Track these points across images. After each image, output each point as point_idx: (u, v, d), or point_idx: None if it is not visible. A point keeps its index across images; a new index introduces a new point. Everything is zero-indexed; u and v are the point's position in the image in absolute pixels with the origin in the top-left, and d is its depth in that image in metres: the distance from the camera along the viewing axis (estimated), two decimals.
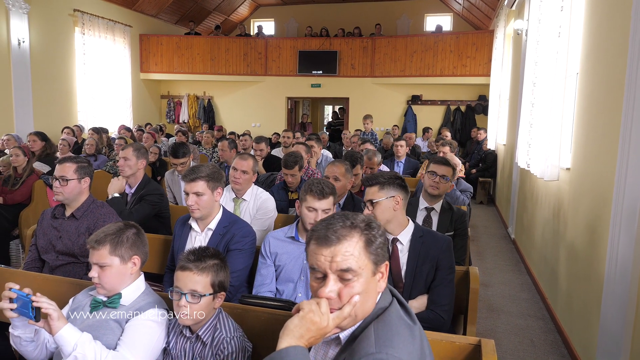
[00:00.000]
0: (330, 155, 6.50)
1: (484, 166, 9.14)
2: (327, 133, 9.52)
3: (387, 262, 1.29)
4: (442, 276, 2.26)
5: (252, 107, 12.92)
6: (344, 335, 1.28)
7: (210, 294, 1.76)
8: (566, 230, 3.81)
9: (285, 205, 3.99)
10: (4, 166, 5.11)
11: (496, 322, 4.07)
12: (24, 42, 8.63)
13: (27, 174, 4.90)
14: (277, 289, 2.56)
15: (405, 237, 2.34)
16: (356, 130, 9.04)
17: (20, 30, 8.54)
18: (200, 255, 1.80)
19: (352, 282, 1.21)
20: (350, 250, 1.21)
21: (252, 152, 6.15)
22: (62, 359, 1.74)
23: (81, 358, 1.64)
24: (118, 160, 6.33)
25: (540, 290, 4.59)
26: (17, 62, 8.57)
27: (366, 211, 2.35)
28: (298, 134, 7.23)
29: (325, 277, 1.22)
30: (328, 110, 18.73)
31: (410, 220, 2.40)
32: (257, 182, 3.69)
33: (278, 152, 6.43)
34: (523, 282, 4.99)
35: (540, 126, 4.53)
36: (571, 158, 3.87)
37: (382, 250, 1.27)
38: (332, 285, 1.20)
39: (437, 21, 13.08)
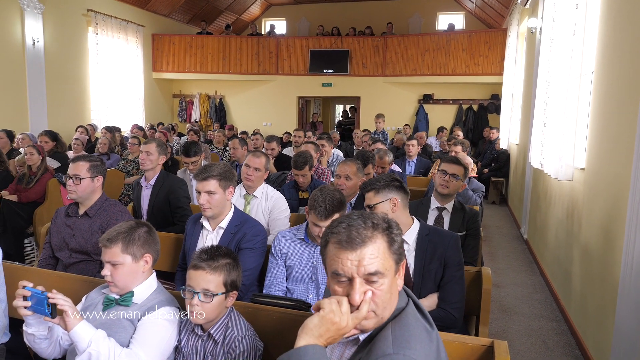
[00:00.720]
0: (341, 154, 6.49)
1: (496, 166, 9.06)
2: (338, 132, 9.50)
3: (404, 260, 1.29)
4: (451, 273, 2.25)
5: (263, 106, 12.95)
6: (363, 337, 1.26)
7: (222, 293, 1.77)
8: (580, 231, 3.76)
9: (296, 204, 4.00)
10: (20, 165, 5.18)
11: (508, 323, 4.03)
12: (38, 42, 8.74)
13: (41, 173, 4.96)
14: (287, 288, 2.56)
15: (410, 236, 2.34)
16: (364, 130, 8.99)
17: (34, 30, 8.65)
18: (212, 254, 1.80)
19: (378, 284, 1.20)
20: (376, 253, 1.20)
21: (263, 151, 6.17)
22: (76, 356, 1.75)
23: (95, 355, 1.66)
24: (130, 160, 6.42)
25: (553, 291, 4.53)
26: (32, 62, 8.69)
27: None
28: (309, 133, 7.23)
29: (349, 280, 1.20)
30: (339, 110, 18.72)
31: (415, 219, 2.40)
32: (268, 181, 3.70)
33: (289, 151, 6.43)
34: (536, 283, 4.93)
35: (555, 125, 4.47)
36: (586, 158, 3.81)
37: (402, 249, 1.27)
38: (360, 289, 1.19)
39: (450, 20, 13.00)
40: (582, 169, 3.83)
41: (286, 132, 10.19)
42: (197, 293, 1.73)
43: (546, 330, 3.91)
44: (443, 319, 2.18)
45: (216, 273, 1.76)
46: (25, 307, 1.66)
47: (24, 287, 1.66)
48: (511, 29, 9.09)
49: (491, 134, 9.84)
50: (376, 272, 1.19)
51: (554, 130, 4.50)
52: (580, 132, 4.06)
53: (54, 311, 1.64)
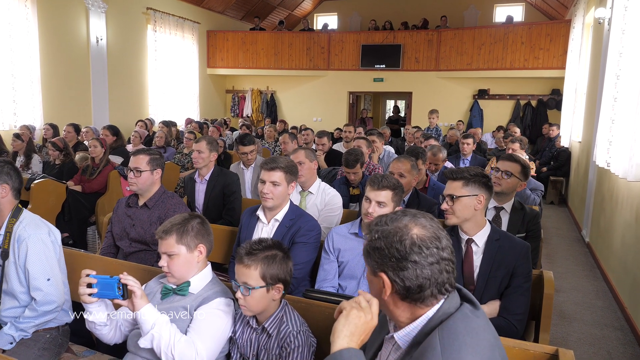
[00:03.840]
0: (392, 150, 6.39)
1: (556, 164, 8.64)
2: (389, 128, 9.35)
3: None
4: (518, 284, 2.13)
5: (313, 101, 12.98)
6: (399, 337, 1.24)
7: (261, 287, 1.75)
8: None
9: (347, 201, 3.96)
10: (82, 160, 5.47)
11: (568, 330, 3.83)
12: (101, 39, 9.18)
13: (103, 164, 5.19)
14: (339, 284, 2.54)
15: (481, 238, 2.23)
16: (414, 127, 8.79)
17: (98, 28, 9.09)
18: (251, 248, 1.79)
19: None
20: None
21: (314, 147, 6.17)
22: (135, 341, 1.82)
23: (157, 337, 1.72)
24: (185, 153, 6.62)
25: (618, 298, 4.26)
26: (95, 59, 9.14)
27: (444, 205, 2.25)
28: (360, 129, 7.17)
29: None
30: (390, 105, 18.48)
31: (487, 221, 2.29)
32: (318, 177, 3.70)
33: (339, 147, 6.40)
34: (598, 289, 4.66)
35: (624, 122, 4.18)
36: None
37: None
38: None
39: (508, 12, 12.48)
40: None
41: (338, 129, 10.17)
42: (239, 286, 1.75)
43: (610, 339, 3.68)
44: (503, 328, 2.07)
45: (252, 267, 1.75)
46: (90, 294, 1.73)
47: (87, 275, 1.73)
48: (575, 20, 8.61)
49: (551, 131, 9.38)
50: None
51: (623, 127, 4.21)
52: None
53: (125, 292, 1.72)
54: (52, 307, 2.23)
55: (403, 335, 1.23)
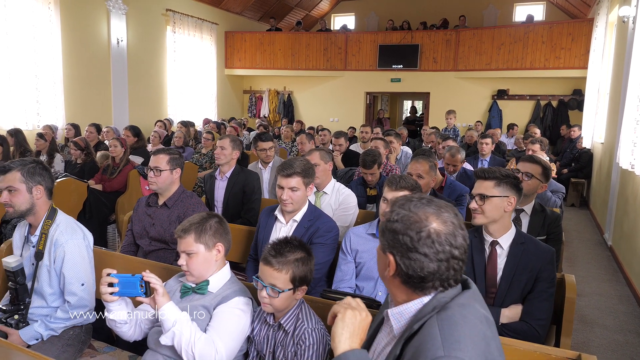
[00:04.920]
0: (409, 151, 6.35)
1: (577, 166, 8.48)
2: (406, 129, 9.29)
3: None
4: (542, 289, 2.10)
5: (330, 102, 12.98)
6: (392, 314, 1.27)
7: (289, 289, 1.77)
8: None
9: (363, 201, 3.95)
10: (103, 158, 5.56)
11: (590, 335, 3.76)
12: (122, 41, 9.32)
13: (123, 164, 5.27)
14: (356, 285, 2.54)
15: (506, 241, 2.20)
16: (431, 127, 8.70)
17: (119, 30, 9.23)
18: (281, 249, 1.80)
19: None
20: None
21: (330, 147, 6.17)
22: (156, 338, 1.85)
23: (178, 335, 1.74)
24: (203, 153, 6.67)
25: None
26: (116, 60, 9.29)
27: (473, 204, 2.22)
28: (378, 129, 7.14)
29: None
30: (407, 106, 18.37)
31: (513, 224, 2.26)
32: (335, 177, 3.70)
33: (356, 147, 6.39)
34: (622, 294, 4.56)
35: None
36: None
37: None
38: None
39: (528, 11, 12.29)
40: None
41: (351, 127, 10.15)
42: (266, 286, 1.76)
43: (634, 345, 3.60)
44: (525, 333, 2.05)
45: (283, 271, 1.76)
46: (111, 293, 1.76)
47: (108, 274, 1.76)
48: (599, 18, 8.44)
49: (572, 132, 9.21)
50: None
51: None
52: None
53: (147, 290, 1.75)
54: (84, 310, 2.30)
55: (395, 313, 1.26)
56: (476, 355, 1.07)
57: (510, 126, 10.08)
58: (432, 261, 1.17)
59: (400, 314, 1.25)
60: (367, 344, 1.41)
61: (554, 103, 11.15)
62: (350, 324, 1.21)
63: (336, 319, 1.23)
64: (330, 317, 1.26)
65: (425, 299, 1.22)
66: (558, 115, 11.02)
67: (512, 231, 2.23)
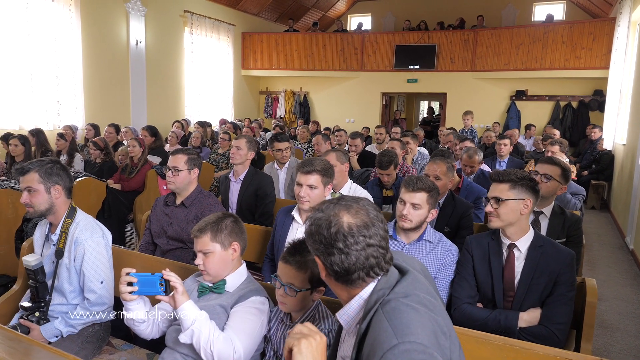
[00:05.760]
0: (426, 152, 6.30)
1: (597, 168, 8.32)
2: (423, 130, 9.23)
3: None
4: (562, 292, 2.06)
5: (346, 102, 12.96)
6: (340, 316, 1.32)
7: (307, 289, 1.77)
8: None
9: (380, 202, 3.94)
10: (122, 155, 5.63)
11: (610, 340, 3.68)
12: (140, 42, 9.44)
13: (141, 164, 5.34)
14: None
15: (524, 244, 2.17)
16: (449, 128, 8.63)
17: (137, 31, 9.36)
18: (301, 249, 1.80)
19: None
20: None
21: (347, 148, 6.15)
22: (174, 336, 1.87)
23: (197, 333, 1.75)
24: (220, 154, 6.72)
25: None
26: (135, 61, 9.41)
27: (489, 208, 2.20)
28: (397, 129, 7.11)
29: None
30: (424, 106, 18.24)
31: (531, 227, 2.22)
32: (351, 178, 3.69)
33: (372, 148, 6.37)
34: None
35: None
36: None
37: None
38: None
39: (548, 10, 12.12)
40: None
41: (365, 127, 10.12)
42: (284, 285, 1.76)
43: None
44: (545, 337, 2.01)
45: (301, 270, 1.77)
46: (131, 292, 1.78)
47: (127, 273, 1.78)
48: (621, 17, 8.26)
49: (593, 133, 9.05)
50: None
51: None
52: None
53: (167, 288, 1.76)
54: (103, 307, 2.34)
55: (342, 314, 1.32)
56: (426, 336, 1.13)
57: (528, 127, 9.94)
58: (350, 254, 1.23)
59: (346, 313, 1.32)
60: (332, 354, 1.47)
61: (574, 104, 10.97)
62: (308, 354, 1.17)
63: (293, 353, 1.18)
64: (286, 352, 1.20)
65: (364, 293, 1.27)
66: (578, 116, 10.83)
67: (530, 234, 2.19)
